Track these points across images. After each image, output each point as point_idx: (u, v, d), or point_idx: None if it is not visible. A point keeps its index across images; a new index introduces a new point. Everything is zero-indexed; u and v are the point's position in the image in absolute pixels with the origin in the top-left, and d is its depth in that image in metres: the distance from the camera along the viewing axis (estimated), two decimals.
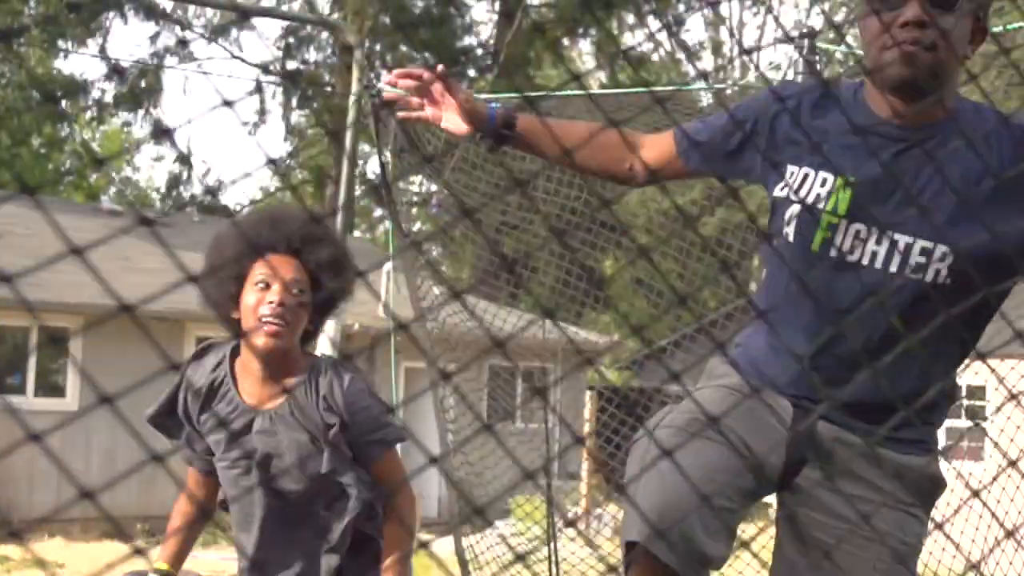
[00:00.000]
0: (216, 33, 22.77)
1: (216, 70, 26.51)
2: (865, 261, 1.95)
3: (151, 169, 51.92)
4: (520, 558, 1.17)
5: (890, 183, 1.91)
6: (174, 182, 25.12)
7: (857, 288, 1.93)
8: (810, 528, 2.01)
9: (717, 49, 26.14)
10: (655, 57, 26.18)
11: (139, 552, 1.11)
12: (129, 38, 77.00)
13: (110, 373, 8.78)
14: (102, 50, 22.69)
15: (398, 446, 2.87)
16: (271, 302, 2.65)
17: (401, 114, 2.27)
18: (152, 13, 21.12)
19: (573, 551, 5.88)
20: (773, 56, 27.43)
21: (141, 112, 23.79)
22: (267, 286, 2.68)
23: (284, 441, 2.72)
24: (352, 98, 5.25)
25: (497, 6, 20.82)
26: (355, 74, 5.34)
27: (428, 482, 12.26)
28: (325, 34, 22.30)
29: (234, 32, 22.72)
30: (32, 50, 23.97)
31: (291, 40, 22.09)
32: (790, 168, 2.02)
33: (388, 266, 7.42)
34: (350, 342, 11.11)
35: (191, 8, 22.45)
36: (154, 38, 22.87)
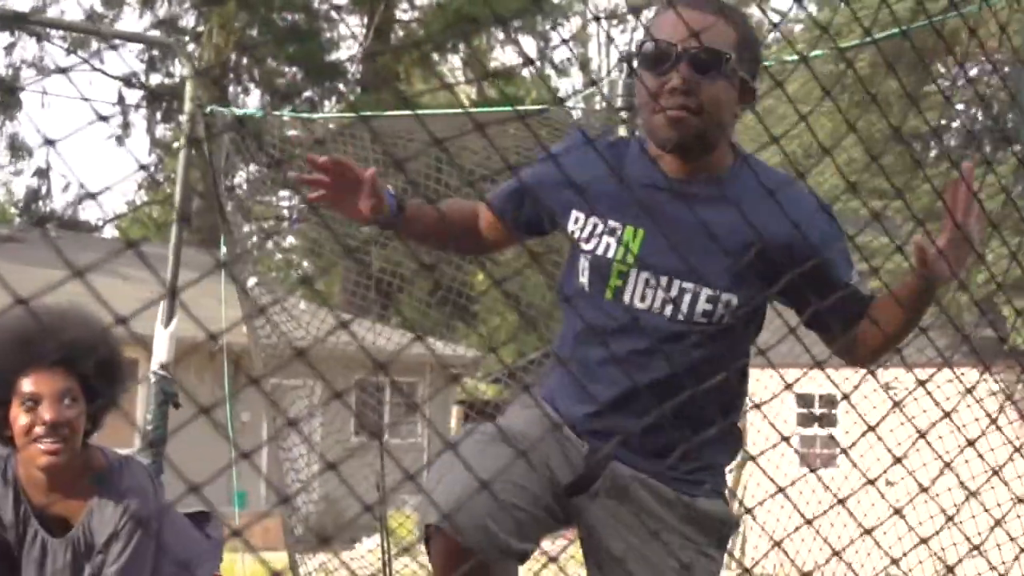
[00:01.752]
0: (75, 45, 22.19)
1: (77, 82, 25.87)
2: (656, 308, 2.03)
3: (8, 184, 50.24)
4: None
5: (675, 234, 1.98)
6: (32, 196, 24.37)
7: (647, 334, 2.02)
8: (609, 548, 2.08)
9: (584, 66, 26.54)
10: (524, 73, 26.47)
11: None
12: None
13: None
14: None
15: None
16: (43, 421, 2.59)
17: (311, 195, 2.20)
18: (6, 23, 20.46)
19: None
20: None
21: None
22: (35, 404, 2.61)
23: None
24: (185, 117, 5.21)
25: (367, 20, 20.76)
26: (188, 92, 5.30)
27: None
28: (192, 47, 21.95)
29: (95, 44, 22.17)
30: None
31: (155, 52, 21.66)
32: (577, 215, 2.11)
33: (252, 281, 7.35)
34: (188, 355, 10.97)
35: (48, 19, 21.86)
36: (9, 49, 22.20)
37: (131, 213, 27.49)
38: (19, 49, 22.15)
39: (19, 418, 2.61)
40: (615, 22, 27.51)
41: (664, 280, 2.03)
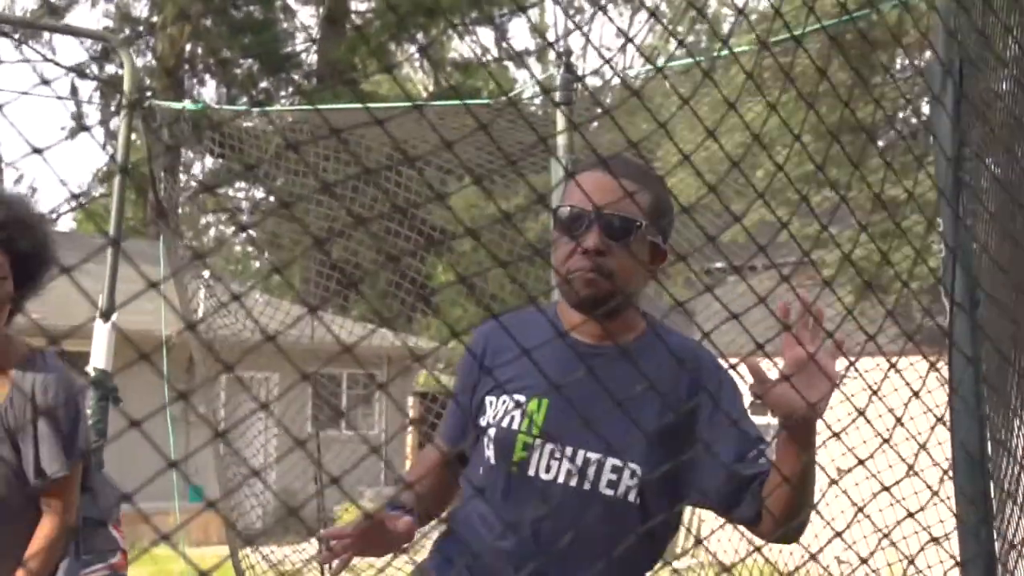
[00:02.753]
0: (27, 36, 21.95)
1: (30, 73, 25.61)
2: (560, 479, 2.04)
3: None
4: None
5: (580, 402, 1.90)
6: None
7: (554, 505, 2.02)
8: None
9: (541, 56, 26.56)
10: (483, 62, 26.44)
11: None
12: None
13: None
14: None
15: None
16: None
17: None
18: None
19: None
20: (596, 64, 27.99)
21: None
22: None
23: None
24: (123, 111, 5.19)
25: (322, 11, 20.66)
26: (126, 86, 5.27)
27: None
28: (146, 38, 21.76)
29: (46, 35, 21.95)
30: None
31: (119, 38, 21.46)
32: (490, 400, 2.14)
33: (205, 273, 7.32)
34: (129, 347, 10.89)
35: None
36: None
37: (84, 206, 27.22)
38: None
39: None
40: (572, 12, 27.54)
41: (569, 451, 2.04)
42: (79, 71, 22.66)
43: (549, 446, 2.04)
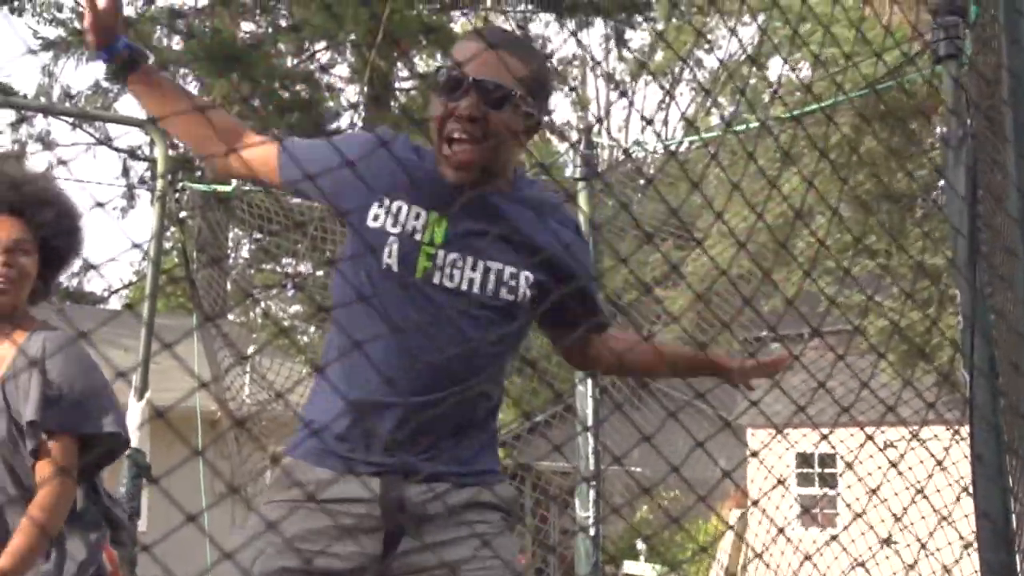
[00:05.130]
0: (81, 120, 22.50)
1: (84, 154, 26.17)
2: (464, 287, 2.13)
3: None
4: None
5: (475, 217, 2.14)
6: None
7: (459, 313, 2.11)
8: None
9: (588, 130, 26.75)
10: None
11: None
12: None
13: None
14: None
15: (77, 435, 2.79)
16: None
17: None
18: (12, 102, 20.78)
19: None
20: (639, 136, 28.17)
21: None
22: None
23: None
24: (157, 193, 5.31)
25: (366, 90, 21.03)
26: (159, 169, 5.40)
27: None
28: None
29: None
30: None
31: (153, 124, 21.91)
32: (381, 199, 2.17)
33: (251, 349, 7.40)
34: (161, 420, 11.01)
35: (55, 96, 22.20)
36: (16, 125, 22.51)
37: (134, 285, 27.63)
38: (26, 125, 22.48)
39: None
40: (613, 85, 27.83)
41: (470, 260, 2.14)
42: (131, 153, 23.15)
43: (452, 255, 2.13)
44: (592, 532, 3.41)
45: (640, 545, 13.22)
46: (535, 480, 11.21)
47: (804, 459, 13.15)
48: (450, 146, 2.10)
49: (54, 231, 2.83)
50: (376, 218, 2.15)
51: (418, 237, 2.13)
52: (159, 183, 5.26)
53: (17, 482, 2.73)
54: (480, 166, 2.11)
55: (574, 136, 26.56)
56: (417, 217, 2.14)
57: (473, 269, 2.13)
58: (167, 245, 5.95)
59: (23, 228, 2.79)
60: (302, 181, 2.20)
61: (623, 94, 26.69)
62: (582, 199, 3.76)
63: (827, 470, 13.20)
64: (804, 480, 13.52)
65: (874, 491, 1.66)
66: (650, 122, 1.78)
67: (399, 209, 2.15)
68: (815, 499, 13.90)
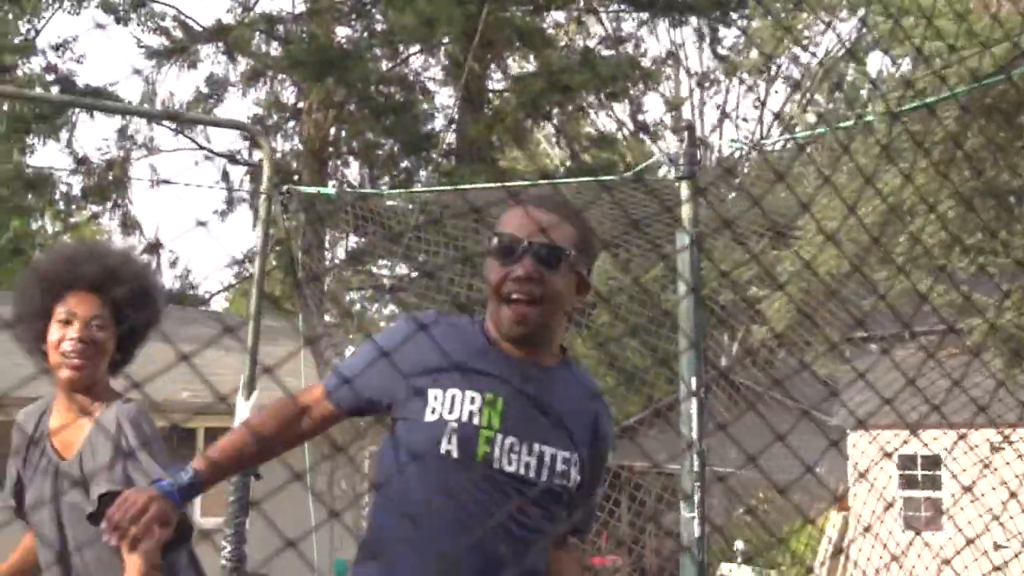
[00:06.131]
0: (183, 125, 23.02)
1: (186, 159, 26.76)
2: (522, 471, 2.17)
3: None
4: None
5: (530, 400, 2.20)
6: None
7: (513, 494, 2.16)
8: None
9: (677, 128, 26.60)
10: (619, 136, 26.64)
11: None
12: (96, 132, 77.24)
13: None
14: (68, 144, 22.91)
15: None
16: (72, 338, 2.84)
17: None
18: (97, 108, 21.34)
19: None
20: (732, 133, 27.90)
21: (109, 204, 23.93)
22: (68, 323, 2.86)
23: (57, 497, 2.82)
24: (263, 196, 5.38)
25: (460, 92, 21.15)
26: (265, 172, 5.48)
27: None
28: (292, 123, 22.59)
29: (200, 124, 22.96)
30: None
31: (258, 128, 22.33)
32: (435, 393, 2.19)
33: (349, 350, 7.47)
34: None
35: (158, 103, 22.74)
36: (122, 131, 23.12)
37: (235, 287, 28.18)
38: (130, 131, 23.08)
39: (53, 334, 2.86)
40: (707, 84, 27.60)
41: (527, 444, 2.18)
42: (231, 158, 23.63)
43: (510, 439, 2.17)
44: (697, 533, 3.38)
45: (739, 546, 13.09)
46: (630, 479, 11.19)
47: (905, 461, 12.88)
48: (508, 305, 2.19)
49: (131, 306, 2.92)
50: (433, 411, 2.18)
51: (476, 421, 2.16)
52: (264, 185, 5.35)
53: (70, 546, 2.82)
54: (536, 323, 2.20)
55: (668, 136, 26.35)
56: (472, 401, 2.17)
57: (529, 453, 2.18)
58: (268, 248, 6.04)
59: (100, 304, 2.88)
60: (352, 391, 2.27)
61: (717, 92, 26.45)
62: (684, 197, 3.74)
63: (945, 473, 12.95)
64: (907, 483, 13.26)
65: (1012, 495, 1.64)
66: (778, 116, 1.76)
67: (453, 398, 2.18)
68: (923, 502, 13.63)
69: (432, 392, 2.18)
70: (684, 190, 3.66)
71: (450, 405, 2.17)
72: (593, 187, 5.78)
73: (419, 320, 2.27)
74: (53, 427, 2.92)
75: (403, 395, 2.21)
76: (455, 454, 2.14)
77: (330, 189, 6.02)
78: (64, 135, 23.19)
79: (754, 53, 26.24)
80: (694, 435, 3.46)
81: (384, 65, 21.90)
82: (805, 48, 24.92)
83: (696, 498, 3.37)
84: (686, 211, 3.67)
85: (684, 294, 3.63)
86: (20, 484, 2.97)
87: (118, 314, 2.90)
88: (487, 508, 2.12)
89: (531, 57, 22.42)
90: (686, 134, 3.76)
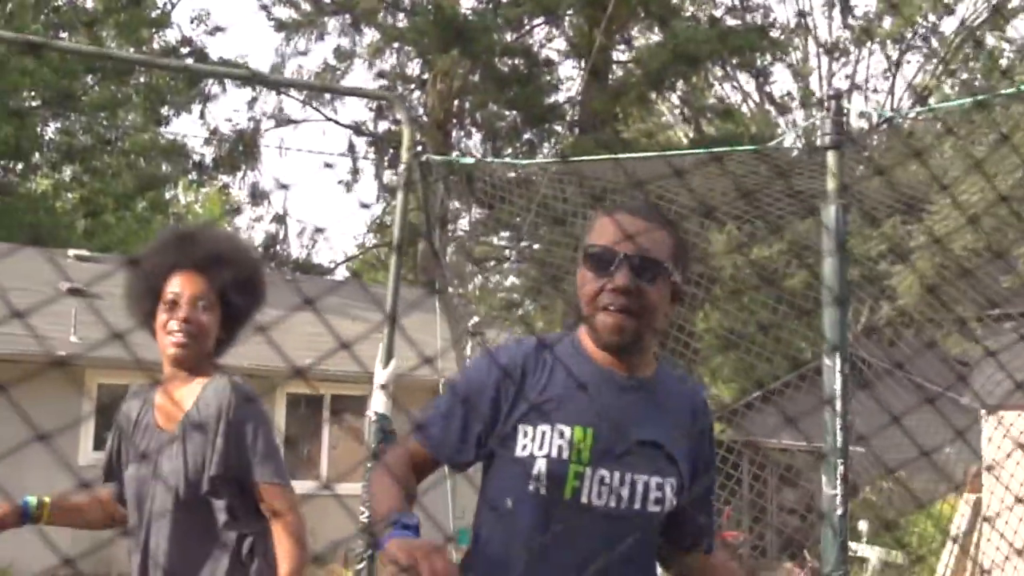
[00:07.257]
0: (310, 98, 23.44)
1: (312, 131, 27.29)
2: (612, 504, 2.12)
3: (251, 230, 53.12)
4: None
5: (621, 427, 2.13)
6: (271, 241, 25.76)
7: (606, 530, 2.11)
8: None
9: (806, 100, 26.06)
10: (744, 108, 26.22)
11: None
12: (228, 104, 79.11)
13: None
14: (201, 116, 23.52)
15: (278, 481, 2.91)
16: (178, 317, 2.92)
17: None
18: (250, 80, 21.83)
19: None
20: (862, 106, 27.19)
21: (239, 175, 24.54)
22: (175, 303, 2.93)
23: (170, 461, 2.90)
24: (402, 166, 5.41)
25: (584, 63, 21.06)
26: (405, 142, 5.51)
27: None
28: (417, 94, 22.81)
29: (327, 95, 23.34)
30: (135, 116, 24.91)
31: (383, 101, 22.61)
32: (525, 429, 2.14)
33: (474, 320, 7.57)
34: (411, 391, 11.35)
35: (287, 75, 23.17)
36: (251, 103, 23.65)
37: (359, 256, 28.64)
38: (260, 103, 23.60)
39: (160, 315, 2.96)
40: (837, 55, 26.95)
41: (618, 475, 2.13)
42: (356, 129, 23.99)
43: (600, 473, 2.12)
44: (840, 511, 3.32)
45: (862, 526, 12.85)
46: (753, 455, 11.05)
47: None
48: (604, 312, 2.14)
49: (234, 288, 2.98)
50: (524, 448, 2.13)
51: (565, 456, 2.11)
52: (404, 154, 5.40)
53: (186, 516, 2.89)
54: (632, 334, 2.14)
55: (794, 106, 25.76)
56: (561, 436, 2.12)
57: (621, 484, 2.13)
58: (395, 216, 6.12)
59: (206, 285, 2.95)
60: (448, 453, 2.21)
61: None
62: (831, 166, 3.65)
63: None
64: None
65: None
66: (910, 86, 1.70)
67: (543, 434, 2.13)
68: None
69: (523, 428, 2.14)
70: (830, 159, 3.58)
71: (539, 442, 2.13)
72: (744, 157, 5.69)
73: (500, 360, 2.21)
74: (158, 403, 3.02)
75: (490, 438, 2.18)
76: (543, 491, 2.10)
77: (465, 157, 6.06)
78: (196, 107, 23.83)
79: (887, 22, 25.51)
80: (837, 394, 3.37)
81: (508, 36, 21.92)
82: (949, 12, 24.09)
83: (839, 472, 3.30)
84: (831, 184, 3.59)
85: (831, 251, 3.55)
86: (117, 458, 3.09)
87: (223, 296, 2.97)
88: (577, 541, 2.10)
89: (655, 28, 22.20)
90: (833, 103, 3.67)
